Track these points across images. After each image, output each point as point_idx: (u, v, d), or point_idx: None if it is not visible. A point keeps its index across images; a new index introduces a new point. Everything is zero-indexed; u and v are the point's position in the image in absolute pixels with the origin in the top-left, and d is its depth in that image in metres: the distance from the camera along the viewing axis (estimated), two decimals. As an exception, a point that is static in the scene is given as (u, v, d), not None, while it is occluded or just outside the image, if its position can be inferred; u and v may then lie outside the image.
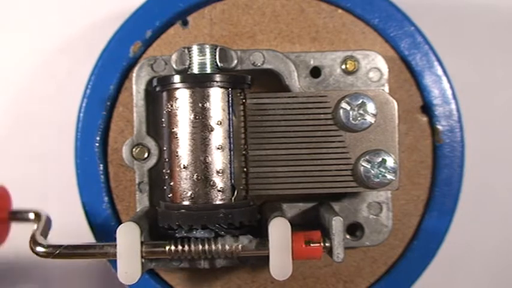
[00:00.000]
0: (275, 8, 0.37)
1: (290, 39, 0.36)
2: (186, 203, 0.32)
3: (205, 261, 0.33)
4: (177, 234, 0.32)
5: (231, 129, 0.32)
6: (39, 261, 0.33)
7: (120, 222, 0.36)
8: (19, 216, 0.36)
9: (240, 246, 0.31)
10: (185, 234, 0.32)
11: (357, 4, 0.36)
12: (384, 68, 0.35)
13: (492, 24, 0.45)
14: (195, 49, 0.32)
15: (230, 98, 0.32)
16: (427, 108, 0.37)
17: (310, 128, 0.33)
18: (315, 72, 0.35)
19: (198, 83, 0.31)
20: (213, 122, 0.31)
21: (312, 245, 0.31)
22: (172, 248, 0.31)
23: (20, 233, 0.44)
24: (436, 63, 0.36)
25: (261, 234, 0.32)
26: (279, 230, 0.30)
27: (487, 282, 0.45)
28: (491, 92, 0.45)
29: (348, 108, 0.32)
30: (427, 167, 0.37)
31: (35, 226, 0.34)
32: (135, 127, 0.35)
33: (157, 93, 0.33)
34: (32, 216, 0.35)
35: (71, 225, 0.40)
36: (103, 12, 0.44)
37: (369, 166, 0.32)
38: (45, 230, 0.34)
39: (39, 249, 0.32)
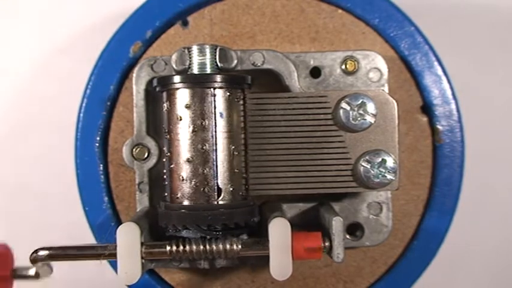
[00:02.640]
0: (275, 8, 0.37)
1: (290, 39, 0.36)
2: (178, 203, 0.32)
3: (205, 261, 0.33)
4: (166, 234, 0.32)
5: (214, 130, 0.31)
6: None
7: (120, 223, 0.36)
8: (20, 273, 0.36)
9: (240, 246, 0.31)
10: (172, 234, 0.32)
11: (357, 4, 0.36)
12: (384, 68, 0.35)
13: (492, 24, 0.45)
14: (195, 49, 0.32)
15: (213, 99, 0.31)
16: (427, 108, 0.37)
17: (310, 128, 0.33)
18: (315, 72, 0.35)
19: (181, 83, 0.31)
20: (196, 123, 0.31)
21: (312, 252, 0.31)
22: (173, 248, 0.31)
23: (19, 233, 0.44)
24: (436, 63, 0.36)
25: (261, 234, 0.32)
26: (279, 230, 0.30)
27: (487, 282, 0.45)
28: (491, 92, 0.45)
29: (348, 108, 0.32)
30: (427, 167, 0.37)
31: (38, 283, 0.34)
32: (135, 127, 0.35)
33: (157, 93, 0.33)
34: (33, 272, 0.35)
35: (71, 225, 0.40)
36: (103, 12, 0.44)
37: (368, 166, 0.32)
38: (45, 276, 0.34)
39: (40, 252, 0.32)
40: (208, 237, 0.31)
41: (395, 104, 0.33)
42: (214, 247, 0.31)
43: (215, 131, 0.31)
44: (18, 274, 0.35)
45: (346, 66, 0.35)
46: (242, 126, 0.33)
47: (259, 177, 0.33)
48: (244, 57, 0.34)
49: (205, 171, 0.31)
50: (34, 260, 0.32)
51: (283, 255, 0.30)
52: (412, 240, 0.37)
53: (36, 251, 0.32)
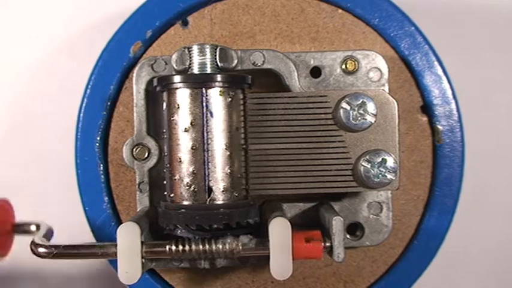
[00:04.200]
0: (275, 8, 0.37)
1: (290, 39, 0.36)
2: (173, 202, 0.32)
3: (205, 261, 0.33)
4: (164, 232, 0.32)
5: (206, 129, 0.31)
6: (38, 264, 0.33)
7: (120, 222, 0.36)
8: (22, 228, 0.37)
9: (240, 246, 0.31)
10: (168, 232, 0.32)
11: (357, 4, 0.36)
12: (384, 68, 0.35)
13: (492, 24, 0.45)
14: (195, 49, 0.32)
15: (204, 99, 0.31)
16: (427, 108, 0.37)
17: (311, 128, 0.33)
18: (315, 72, 0.35)
19: (174, 83, 0.31)
20: (186, 123, 0.31)
21: (312, 242, 0.31)
22: (173, 247, 0.31)
23: (19, 238, 0.44)
24: (436, 63, 0.36)
25: (261, 234, 0.32)
26: (279, 230, 0.30)
27: (487, 282, 0.45)
28: (491, 92, 0.45)
29: (348, 108, 0.32)
30: (427, 167, 0.37)
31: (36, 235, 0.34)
32: (136, 127, 0.35)
33: (157, 93, 0.33)
34: (34, 228, 0.37)
35: (71, 225, 0.40)
36: (103, 12, 0.44)
37: (369, 166, 0.32)
38: (46, 237, 0.35)
39: (39, 249, 0.32)
40: (202, 237, 0.31)
41: (396, 103, 0.33)
42: (214, 247, 0.31)
43: (206, 131, 0.31)
44: (20, 229, 0.36)
45: (346, 66, 0.35)
46: (240, 126, 0.32)
47: (259, 177, 0.33)
48: (244, 57, 0.34)
49: (195, 170, 0.31)
50: None
51: (283, 255, 0.30)
52: (412, 240, 0.37)
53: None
